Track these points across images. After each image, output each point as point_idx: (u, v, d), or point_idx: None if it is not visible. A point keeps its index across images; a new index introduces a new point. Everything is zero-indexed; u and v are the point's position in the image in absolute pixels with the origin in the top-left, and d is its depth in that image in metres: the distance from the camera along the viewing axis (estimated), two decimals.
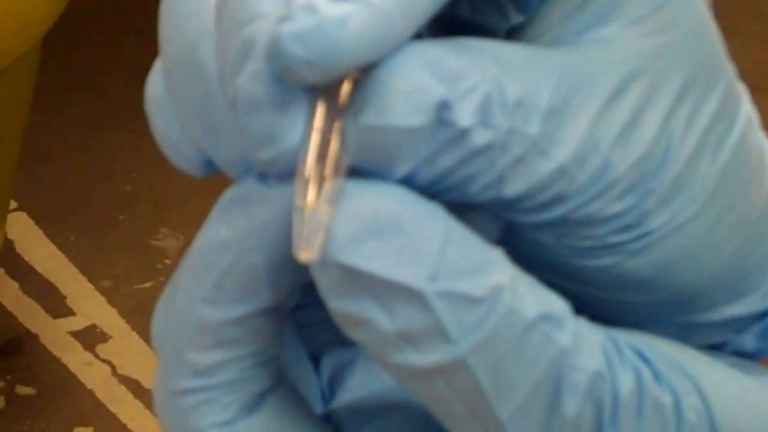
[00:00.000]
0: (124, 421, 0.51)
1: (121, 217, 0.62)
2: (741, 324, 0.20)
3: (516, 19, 0.18)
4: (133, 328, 0.54)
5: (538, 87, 0.16)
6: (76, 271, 0.57)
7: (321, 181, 0.14)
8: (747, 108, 0.19)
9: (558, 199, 0.16)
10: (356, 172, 0.14)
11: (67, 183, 0.63)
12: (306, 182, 0.14)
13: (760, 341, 0.20)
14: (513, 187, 0.16)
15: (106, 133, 0.66)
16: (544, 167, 0.16)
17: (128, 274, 0.57)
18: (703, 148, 0.17)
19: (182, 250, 0.57)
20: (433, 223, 0.15)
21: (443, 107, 0.15)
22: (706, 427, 0.18)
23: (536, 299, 0.16)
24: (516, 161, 0.16)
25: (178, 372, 0.17)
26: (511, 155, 0.16)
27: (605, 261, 0.17)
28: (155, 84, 0.15)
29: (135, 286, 0.56)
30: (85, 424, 0.50)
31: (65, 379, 0.52)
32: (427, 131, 0.15)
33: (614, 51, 0.17)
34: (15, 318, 0.53)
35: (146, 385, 0.51)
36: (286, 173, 0.15)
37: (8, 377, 0.51)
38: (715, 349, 0.20)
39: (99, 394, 0.51)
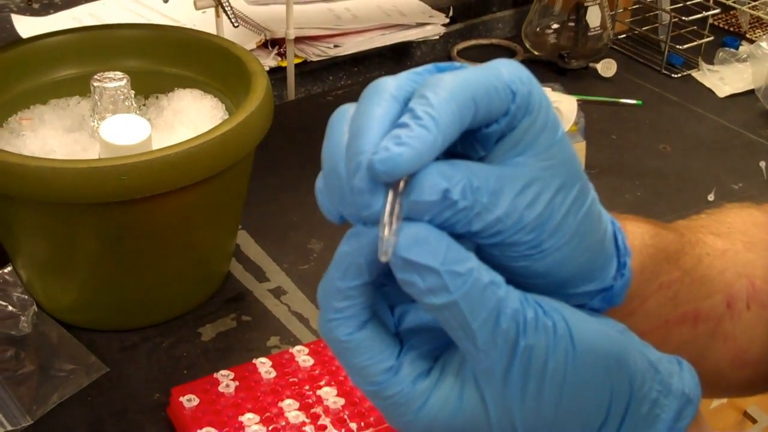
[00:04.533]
0: (294, 333, 0.81)
1: (295, 235, 0.97)
2: (592, 294, 0.38)
3: (482, 153, 0.35)
4: (299, 289, 0.85)
5: (487, 182, 0.32)
6: (270, 259, 0.90)
7: (390, 224, 0.31)
8: (592, 192, 0.36)
9: (498, 233, 0.33)
10: (407, 219, 0.32)
11: (269, 216, 0.98)
12: (384, 225, 0.31)
13: (602, 304, 0.39)
14: (476, 226, 0.32)
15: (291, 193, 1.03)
16: (490, 216, 0.33)
17: (296, 262, 0.89)
18: (569, 211, 0.35)
19: (323, 251, 0.92)
20: (442, 240, 0.32)
21: (445, 191, 0.32)
22: (567, 336, 0.34)
23: (489, 274, 0.32)
24: (477, 214, 0.32)
25: (327, 310, 0.34)
26: (475, 211, 0.32)
27: (522, 263, 0.35)
28: (319, 181, 0.34)
29: (299, 267, 0.88)
30: (275, 334, 0.81)
31: (265, 312, 0.83)
32: (437, 202, 0.32)
33: (523, 168, 0.34)
34: (241, 283, 0.86)
35: (305, 315, 0.83)
36: (375, 222, 0.32)
37: (237, 311, 0.82)
38: (578, 307, 0.36)
39: (282, 321, 0.83)
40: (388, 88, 0.34)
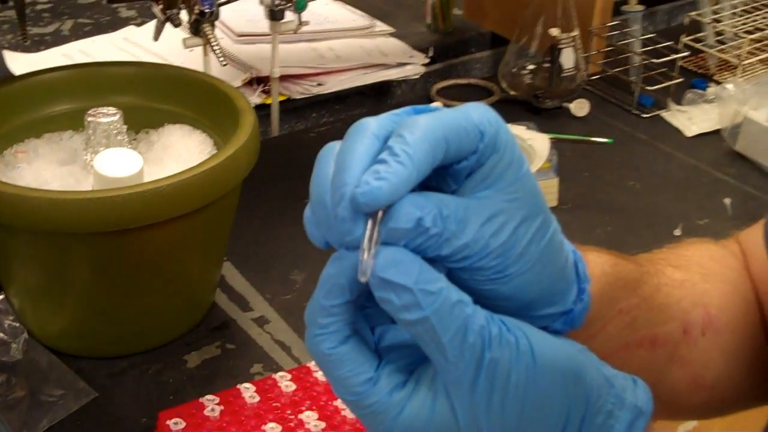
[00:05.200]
0: (277, 360, 0.84)
1: (278, 266, 1.00)
2: (554, 317, 0.42)
3: (453, 186, 0.39)
4: (282, 318, 0.88)
5: (456, 211, 0.36)
6: (254, 289, 0.93)
7: (369, 249, 0.35)
8: (555, 223, 0.40)
9: (465, 258, 0.37)
10: (385, 243, 0.36)
11: (253, 247, 1.00)
12: (363, 250, 0.36)
13: (563, 326, 0.42)
14: (445, 251, 0.36)
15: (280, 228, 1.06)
16: (458, 242, 0.37)
17: (278, 292, 0.92)
18: (532, 240, 0.38)
19: (306, 281, 0.94)
20: (415, 262, 0.36)
21: (419, 219, 0.36)
22: (529, 352, 0.37)
23: (457, 293, 0.36)
24: (446, 240, 0.36)
25: (313, 326, 0.38)
26: (444, 237, 0.36)
27: (489, 286, 0.38)
28: (307, 210, 0.38)
29: (282, 297, 0.91)
30: (258, 362, 0.84)
31: (248, 340, 0.86)
32: (412, 229, 0.36)
33: (490, 201, 0.38)
34: (225, 312, 0.88)
35: (288, 344, 0.85)
36: (356, 246, 0.36)
37: (222, 339, 0.85)
38: (542, 329, 0.39)
39: (265, 348, 0.85)
40: (370, 127, 0.38)
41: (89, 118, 0.86)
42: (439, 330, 0.36)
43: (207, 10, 1.03)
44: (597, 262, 0.48)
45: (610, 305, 0.49)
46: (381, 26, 1.51)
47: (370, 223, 0.36)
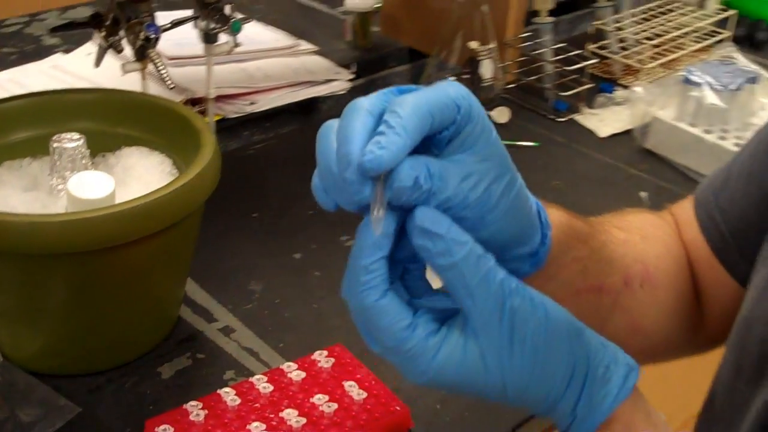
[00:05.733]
0: (247, 366, 0.87)
1: (236, 279, 1.04)
2: (524, 258, 0.52)
3: (436, 153, 0.46)
4: (246, 326, 0.92)
5: (440, 170, 0.45)
6: (215, 301, 0.97)
7: (378, 207, 0.44)
8: (520, 180, 0.49)
9: (448, 209, 0.45)
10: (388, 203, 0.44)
11: (209, 263, 1.04)
12: (373, 208, 0.44)
13: (531, 268, 0.53)
14: (432, 203, 0.45)
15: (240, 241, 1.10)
16: (442, 196, 0.45)
17: (239, 303, 0.96)
18: (503, 194, 0.47)
19: (264, 291, 0.99)
20: (445, 218, 0.45)
21: (416, 178, 0.44)
22: (542, 307, 0.46)
23: (482, 250, 0.45)
24: (433, 194, 0.44)
25: (356, 284, 0.45)
26: (432, 191, 0.44)
27: (471, 234, 0.46)
28: (315, 179, 0.46)
29: (244, 307, 0.94)
30: (230, 368, 0.88)
31: (217, 349, 0.89)
32: (411, 187, 0.44)
33: (466, 162, 0.46)
34: (191, 324, 0.92)
35: (255, 350, 0.90)
36: (365, 205, 0.44)
37: (192, 350, 0.88)
38: (513, 272, 0.47)
39: (234, 356, 0.89)
40: (364, 105, 0.45)
41: (55, 144, 0.89)
42: (467, 275, 0.44)
43: (152, 36, 1.06)
44: (555, 215, 0.56)
45: (565, 252, 0.57)
46: (305, 45, 1.56)
47: (377, 186, 0.44)
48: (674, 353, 0.71)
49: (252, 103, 1.40)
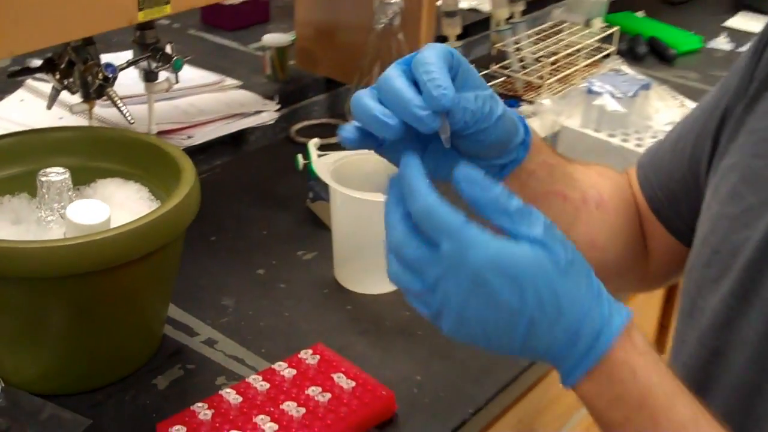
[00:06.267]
0: (236, 371, 0.94)
1: (208, 296, 1.10)
2: (518, 146, 0.68)
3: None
4: (227, 337, 0.98)
5: (465, 98, 0.60)
6: (193, 317, 1.03)
7: (446, 129, 0.59)
8: (502, 103, 0.65)
9: (476, 121, 0.60)
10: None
11: (181, 283, 1.09)
12: (443, 132, 0.59)
13: (524, 152, 0.69)
14: (469, 117, 0.60)
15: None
16: (472, 111, 0.60)
17: (216, 317, 1.03)
18: (498, 104, 0.64)
19: (237, 304, 1.08)
20: (480, 172, 0.56)
21: (466, 104, 0.60)
22: (565, 241, 0.57)
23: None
24: (471, 112, 0.60)
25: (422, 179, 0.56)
26: (469, 110, 0.60)
27: (481, 137, 0.63)
28: (345, 128, 0.62)
29: (221, 320, 1.01)
30: (220, 375, 0.94)
31: (205, 359, 0.96)
32: (467, 109, 0.60)
33: (470, 90, 0.62)
34: (176, 340, 0.97)
35: (240, 357, 0.97)
36: (434, 129, 0.57)
37: (181, 362, 0.93)
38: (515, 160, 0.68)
39: (222, 364, 0.95)
40: (393, 73, 0.58)
41: (42, 178, 0.95)
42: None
43: (110, 76, 1.14)
44: (531, 128, 0.70)
45: (538, 152, 0.70)
46: (229, 80, 1.65)
47: (443, 117, 0.58)
48: (624, 280, 0.83)
49: (189, 137, 1.47)
